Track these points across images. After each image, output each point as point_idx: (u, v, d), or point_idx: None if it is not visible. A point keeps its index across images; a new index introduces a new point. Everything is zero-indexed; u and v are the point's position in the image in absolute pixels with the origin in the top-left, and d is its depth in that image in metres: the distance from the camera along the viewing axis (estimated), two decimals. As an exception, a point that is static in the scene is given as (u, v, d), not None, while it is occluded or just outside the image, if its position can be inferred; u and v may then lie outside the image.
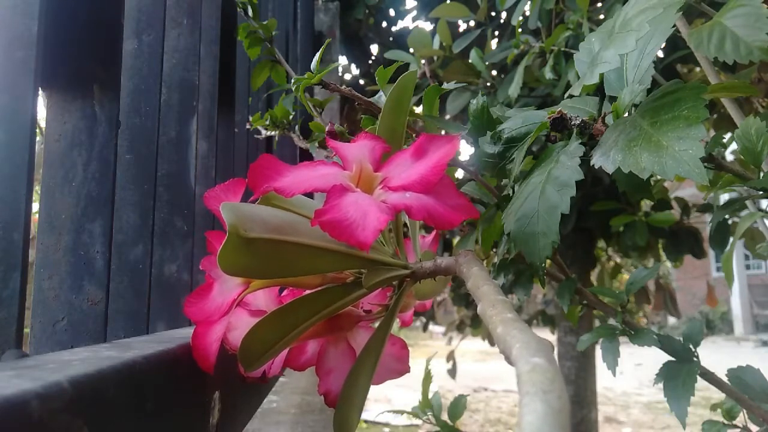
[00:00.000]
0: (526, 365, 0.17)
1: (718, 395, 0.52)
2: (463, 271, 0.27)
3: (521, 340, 0.18)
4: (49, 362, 0.21)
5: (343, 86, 0.49)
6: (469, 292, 0.25)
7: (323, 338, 0.32)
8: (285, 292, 0.33)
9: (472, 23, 1.89)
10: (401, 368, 0.34)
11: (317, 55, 0.50)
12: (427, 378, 0.70)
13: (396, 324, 0.32)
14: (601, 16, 1.22)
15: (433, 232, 0.38)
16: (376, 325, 0.31)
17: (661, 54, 1.37)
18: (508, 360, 0.18)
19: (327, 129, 0.57)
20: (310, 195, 0.32)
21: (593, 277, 2.33)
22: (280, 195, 0.25)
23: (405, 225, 0.35)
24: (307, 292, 0.29)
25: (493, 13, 1.75)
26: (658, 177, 0.30)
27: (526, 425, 0.14)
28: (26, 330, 0.36)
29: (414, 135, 0.48)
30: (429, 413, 0.69)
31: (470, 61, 1.42)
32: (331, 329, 0.32)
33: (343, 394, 0.30)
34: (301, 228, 0.26)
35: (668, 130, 0.31)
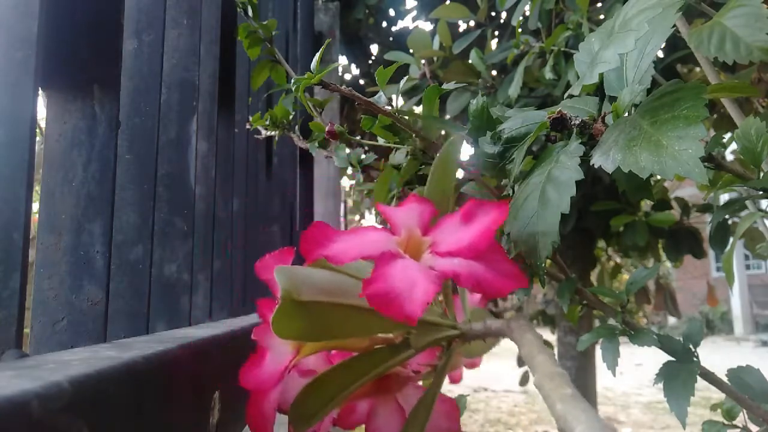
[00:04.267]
0: None
1: (718, 395, 0.52)
2: (516, 337, 0.26)
3: (583, 421, 0.18)
4: (49, 362, 0.21)
5: (343, 86, 0.49)
6: (523, 359, 0.25)
7: (373, 398, 0.32)
8: (334, 353, 0.33)
9: (472, 23, 1.89)
10: (452, 427, 0.34)
11: (317, 55, 0.50)
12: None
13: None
14: (601, 16, 1.22)
15: None
16: (426, 383, 0.31)
17: (661, 54, 1.37)
18: None
19: (327, 129, 0.57)
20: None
21: (593, 277, 2.33)
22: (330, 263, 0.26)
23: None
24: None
25: (493, 14, 1.75)
26: (658, 177, 0.31)
27: None
28: (26, 330, 0.36)
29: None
30: (429, 413, 0.69)
31: (470, 61, 1.41)
32: (380, 389, 0.32)
33: None
34: (352, 290, 0.27)
35: (668, 129, 0.31)
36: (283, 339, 0.28)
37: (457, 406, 0.34)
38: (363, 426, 0.33)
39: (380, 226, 0.28)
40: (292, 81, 0.50)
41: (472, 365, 0.38)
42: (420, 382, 0.33)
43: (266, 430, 0.28)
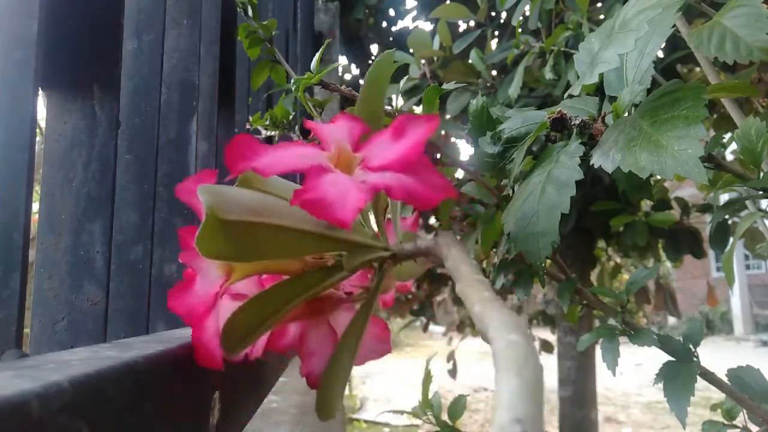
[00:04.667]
0: (502, 342, 0.17)
1: (718, 395, 0.52)
2: (443, 252, 0.27)
3: (497, 318, 0.19)
4: (49, 362, 0.21)
5: (343, 86, 0.49)
6: (448, 272, 0.26)
7: (305, 321, 0.32)
8: (266, 277, 0.33)
9: (472, 23, 1.89)
10: (383, 348, 0.34)
11: (317, 55, 0.50)
12: (427, 378, 0.70)
13: (397, 324, 0.32)
14: (601, 16, 1.22)
15: (414, 214, 0.38)
16: (358, 306, 0.31)
17: (661, 54, 1.37)
18: (485, 338, 0.18)
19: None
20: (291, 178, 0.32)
21: (593, 277, 2.33)
22: (258, 175, 0.25)
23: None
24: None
25: (493, 14, 1.75)
26: (658, 177, 0.31)
27: (502, 400, 0.14)
28: (26, 330, 0.36)
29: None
30: (429, 413, 0.69)
31: (470, 61, 1.42)
32: (312, 312, 0.32)
33: (326, 376, 0.30)
34: (280, 210, 0.26)
35: (668, 129, 0.31)
36: (209, 259, 0.27)
37: (388, 327, 0.34)
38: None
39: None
40: (292, 81, 0.50)
41: (403, 288, 0.38)
42: (353, 305, 0.33)
43: (214, 359, 0.27)
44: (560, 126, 0.38)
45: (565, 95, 0.40)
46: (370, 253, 0.29)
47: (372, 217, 0.32)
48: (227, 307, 0.28)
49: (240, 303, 0.28)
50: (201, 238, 0.24)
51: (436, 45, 1.50)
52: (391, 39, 2.36)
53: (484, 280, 0.23)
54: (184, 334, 0.39)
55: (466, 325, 2.83)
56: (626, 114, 0.36)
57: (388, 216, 0.33)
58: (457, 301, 2.51)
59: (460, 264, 0.25)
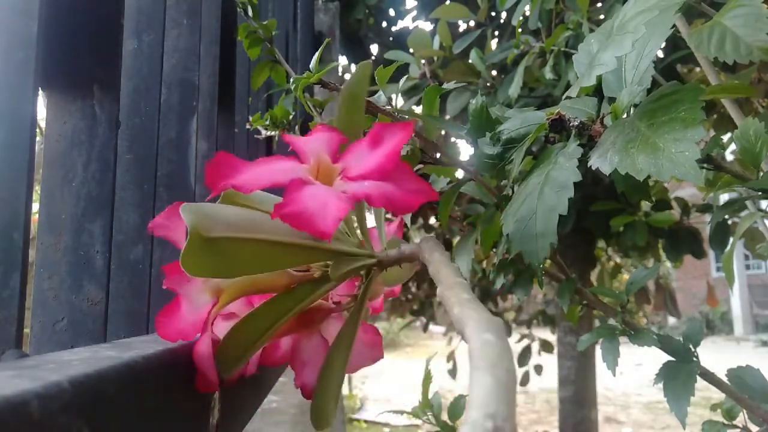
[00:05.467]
0: (477, 341, 0.17)
1: (718, 395, 0.52)
2: (426, 256, 0.28)
3: (474, 318, 0.19)
4: (49, 362, 0.21)
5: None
6: (431, 276, 0.26)
7: (296, 333, 0.33)
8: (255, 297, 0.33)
9: (472, 23, 1.89)
10: (375, 355, 0.35)
11: (316, 54, 0.50)
12: (427, 378, 0.70)
13: (397, 324, 0.32)
14: (601, 16, 1.22)
15: (398, 219, 0.38)
16: (347, 315, 0.31)
17: (661, 54, 1.37)
18: (464, 337, 0.19)
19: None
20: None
21: (593, 277, 2.33)
22: (239, 192, 0.25)
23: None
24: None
25: (493, 14, 1.75)
26: (656, 178, 0.31)
27: (474, 398, 0.15)
28: (26, 330, 0.36)
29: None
30: (429, 413, 0.69)
31: (470, 61, 1.42)
32: (303, 324, 0.32)
33: (319, 385, 0.30)
34: (263, 224, 0.26)
35: (665, 132, 0.31)
36: (195, 283, 0.28)
37: (378, 333, 0.35)
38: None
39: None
40: (292, 80, 0.50)
41: (391, 293, 0.38)
42: (342, 314, 0.34)
43: (210, 383, 0.27)
44: (559, 127, 0.38)
45: (564, 96, 0.40)
46: (356, 261, 0.29)
47: (357, 225, 0.32)
48: (220, 328, 0.29)
49: (231, 323, 0.28)
50: (186, 256, 0.24)
51: (436, 45, 1.50)
52: (391, 39, 2.35)
53: (464, 283, 0.23)
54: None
55: (466, 325, 2.82)
56: (625, 115, 0.36)
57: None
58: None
59: (441, 267, 0.25)
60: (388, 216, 0.38)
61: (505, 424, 0.14)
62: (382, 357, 0.35)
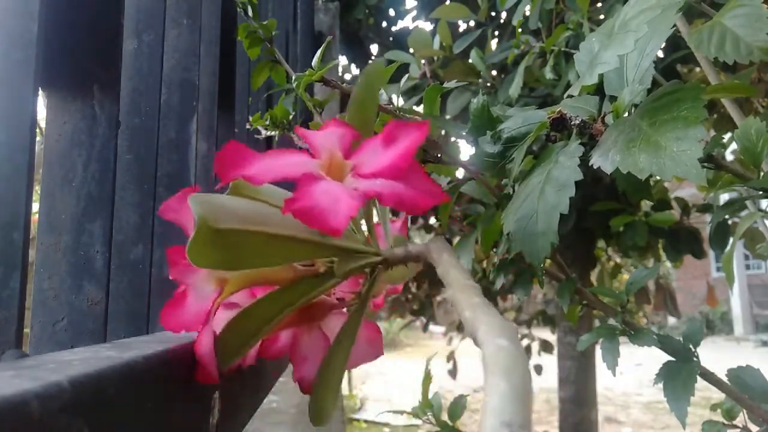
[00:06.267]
0: (491, 347, 0.17)
1: (718, 395, 0.52)
2: (434, 257, 0.27)
3: (487, 322, 0.19)
4: (49, 362, 0.21)
5: (344, 85, 0.49)
6: (440, 277, 0.26)
7: (297, 327, 0.32)
8: (258, 288, 0.33)
9: (472, 23, 1.89)
10: (375, 352, 0.34)
11: (319, 52, 0.50)
12: (427, 378, 0.70)
13: (397, 324, 0.32)
14: (602, 16, 1.22)
15: (403, 217, 0.38)
16: (349, 311, 0.31)
17: (661, 54, 1.37)
18: (476, 342, 0.18)
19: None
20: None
21: (593, 277, 2.33)
22: (248, 183, 0.25)
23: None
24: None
25: (494, 14, 1.75)
26: (658, 177, 0.31)
27: (490, 405, 0.14)
28: (26, 330, 0.36)
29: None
30: (429, 413, 0.69)
31: (470, 61, 1.42)
32: (304, 318, 0.32)
33: (319, 380, 0.30)
34: (271, 218, 0.26)
35: (667, 130, 0.31)
36: (204, 274, 0.27)
37: (379, 330, 0.34)
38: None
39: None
40: (293, 79, 0.50)
41: (394, 291, 0.38)
42: (344, 310, 0.33)
43: (210, 375, 0.27)
44: (560, 126, 0.38)
45: (566, 95, 0.40)
46: (362, 258, 0.29)
47: (363, 222, 0.32)
48: (220, 318, 0.28)
49: (232, 312, 0.28)
50: (193, 247, 0.24)
51: (436, 45, 1.50)
52: (391, 39, 2.35)
53: (474, 285, 0.23)
54: (184, 334, 0.39)
55: (466, 325, 2.82)
56: (626, 114, 0.36)
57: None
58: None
59: (450, 269, 0.25)
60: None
61: (522, 431, 0.13)
62: (382, 354, 0.35)
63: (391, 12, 2.34)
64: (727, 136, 0.64)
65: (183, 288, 0.29)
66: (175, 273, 0.28)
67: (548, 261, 0.59)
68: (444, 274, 0.25)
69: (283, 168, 0.25)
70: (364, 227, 0.31)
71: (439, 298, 2.83)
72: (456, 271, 0.24)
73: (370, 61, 2.40)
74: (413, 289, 2.69)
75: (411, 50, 1.52)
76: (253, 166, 0.25)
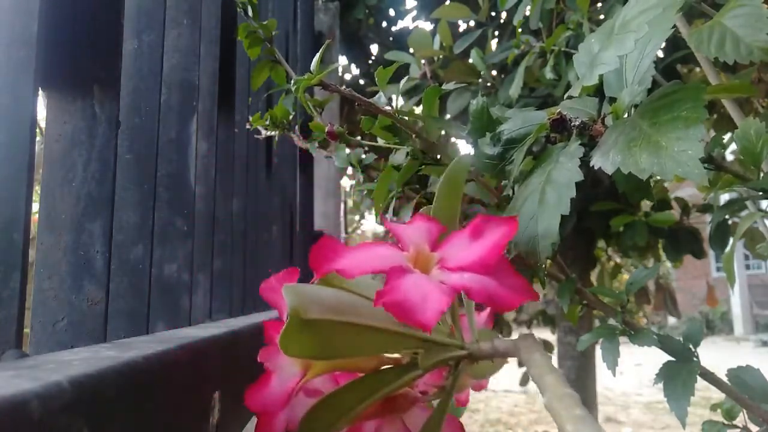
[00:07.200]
0: None
1: (718, 395, 0.52)
2: (524, 357, 0.27)
3: None
4: (49, 362, 0.21)
5: (343, 86, 0.49)
6: (532, 379, 0.25)
7: (379, 419, 0.32)
8: (340, 374, 0.33)
9: (472, 23, 1.89)
10: None
11: (317, 55, 0.50)
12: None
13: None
14: (602, 17, 1.22)
15: (488, 309, 0.37)
16: (432, 404, 0.31)
17: (661, 54, 1.37)
18: None
19: (327, 130, 0.57)
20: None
21: (593, 277, 2.33)
22: (341, 276, 0.26)
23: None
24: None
25: (494, 14, 1.75)
26: (658, 177, 0.31)
27: None
28: (26, 330, 0.36)
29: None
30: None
31: (471, 61, 1.42)
32: (386, 410, 0.32)
33: None
34: (359, 308, 0.27)
35: (667, 130, 0.31)
36: (290, 357, 0.28)
37: (463, 428, 0.34)
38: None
39: (389, 242, 0.29)
40: (292, 81, 0.50)
41: (479, 387, 0.37)
42: (428, 405, 0.33)
43: None
44: (560, 127, 0.38)
45: (565, 96, 0.40)
46: (446, 351, 0.29)
47: (447, 313, 0.32)
48: (302, 404, 0.29)
49: (314, 400, 0.28)
50: (284, 337, 0.25)
51: (436, 45, 1.50)
52: (391, 39, 2.35)
53: (573, 394, 0.22)
54: (184, 334, 0.39)
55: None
56: (626, 115, 0.36)
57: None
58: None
59: (544, 374, 0.24)
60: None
61: None
62: None
63: (391, 12, 2.34)
64: (727, 137, 0.64)
65: (268, 370, 0.29)
66: (264, 354, 0.29)
67: (548, 261, 0.59)
68: (537, 377, 0.24)
69: (373, 261, 0.26)
70: (449, 318, 0.31)
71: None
72: (552, 377, 0.23)
73: (370, 61, 2.40)
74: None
75: (411, 50, 1.52)
76: (344, 260, 0.26)
